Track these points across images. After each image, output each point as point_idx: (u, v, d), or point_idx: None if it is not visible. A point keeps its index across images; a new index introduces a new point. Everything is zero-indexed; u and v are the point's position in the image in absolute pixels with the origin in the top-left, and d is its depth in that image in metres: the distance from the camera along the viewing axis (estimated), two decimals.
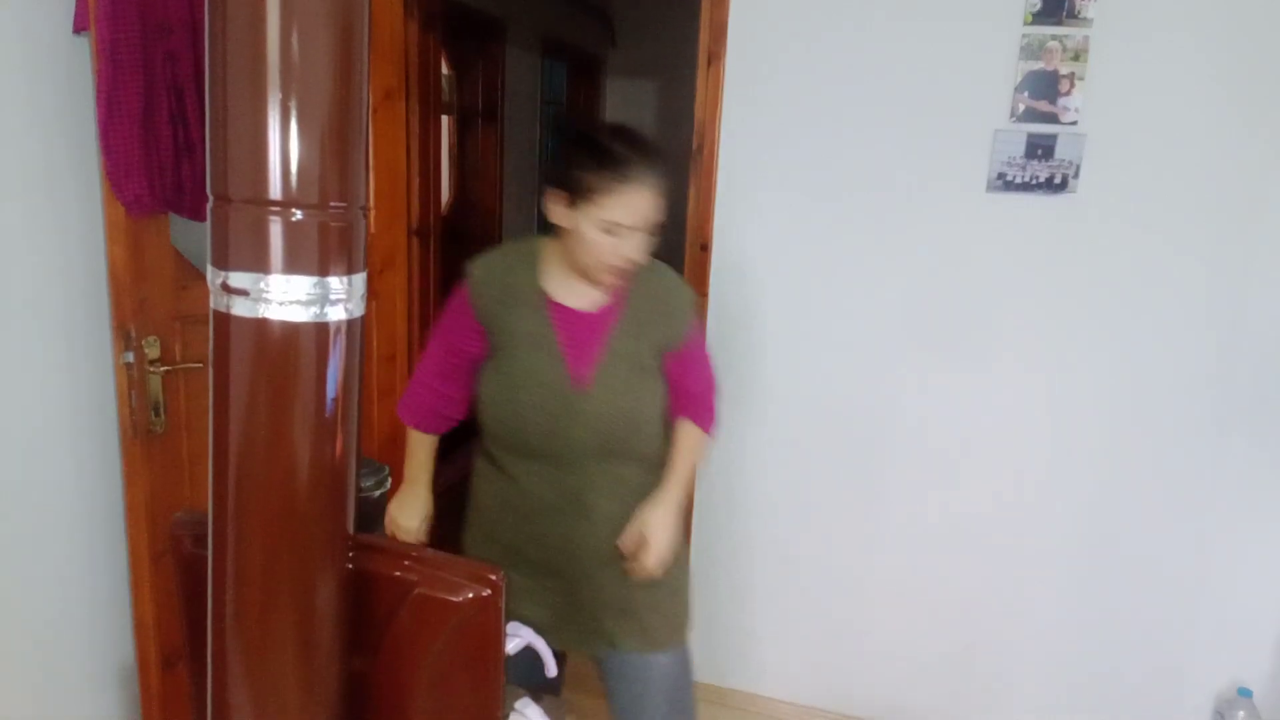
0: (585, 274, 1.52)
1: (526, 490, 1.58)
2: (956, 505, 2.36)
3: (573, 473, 1.55)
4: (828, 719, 2.54)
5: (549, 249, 1.57)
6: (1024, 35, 2.08)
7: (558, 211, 1.49)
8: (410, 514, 1.70)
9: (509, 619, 1.57)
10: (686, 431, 1.67)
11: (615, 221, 1.43)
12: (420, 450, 1.71)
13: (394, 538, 1.65)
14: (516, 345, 1.54)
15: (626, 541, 1.57)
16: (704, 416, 1.69)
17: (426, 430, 1.70)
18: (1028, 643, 2.39)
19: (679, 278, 1.66)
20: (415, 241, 2.81)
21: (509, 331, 1.55)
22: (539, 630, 1.57)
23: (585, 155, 1.45)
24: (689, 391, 1.67)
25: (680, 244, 2.55)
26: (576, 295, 1.56)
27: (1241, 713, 2.19)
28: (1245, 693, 2.20)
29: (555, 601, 1.62)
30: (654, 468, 1.63)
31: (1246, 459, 2.14)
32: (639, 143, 1.47)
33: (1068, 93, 2.07)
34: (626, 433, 1.55)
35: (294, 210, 0.84)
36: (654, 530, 1.56)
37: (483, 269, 1.59)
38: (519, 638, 1.31)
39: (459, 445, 4.53)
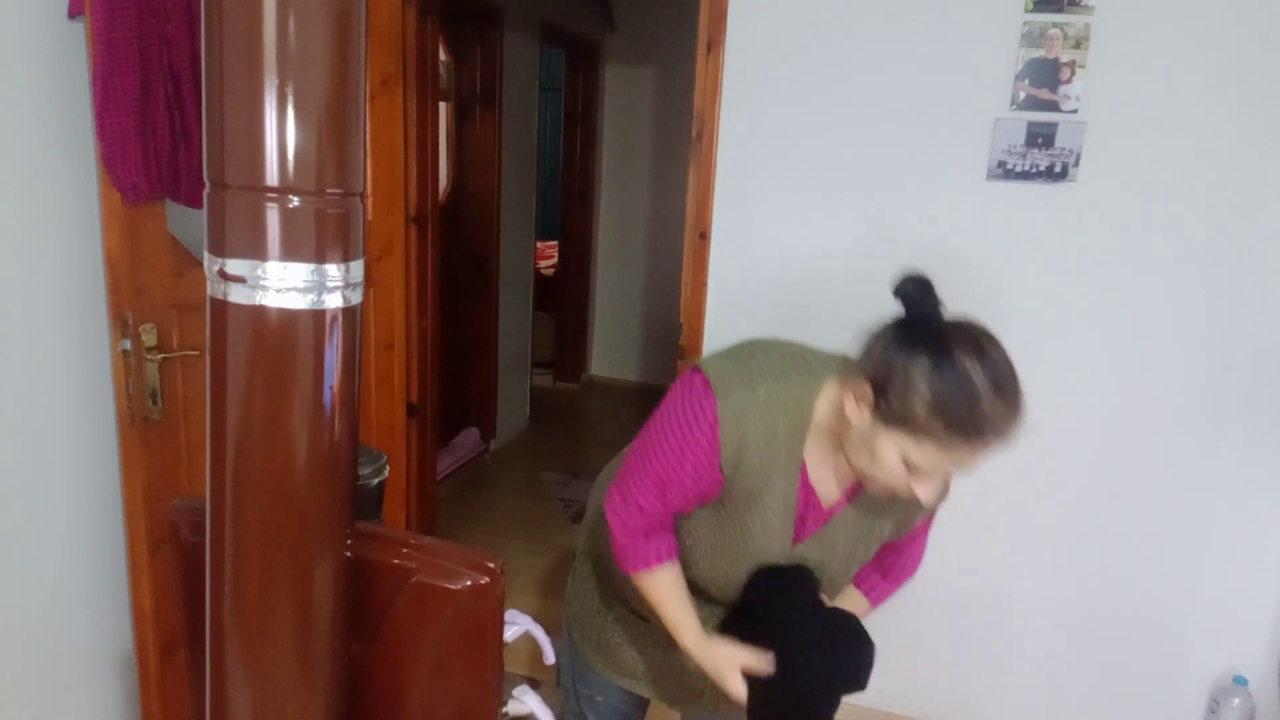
0: (852, 469, 1.24)
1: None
2: (952, 496, 2.36)
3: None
4: None
5: (822, 411, 1.24)
6: (1025, 23, 2.07)
7: (852, 404, 1.16)
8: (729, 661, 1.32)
9: (608, 663, 1.56)
10: (861, 598, 1.51)
11: (923, 467, 1.12)
12: (678, 589, 1.35)
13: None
14: (755, 508, 1.29)
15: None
16: (883, 593, 1.52)
17: (670, 558, 1.36)
18: (1024, 632, 2.39)
19: None
20: (413, 229, 2.80)
21: (754, 496, 1.28)
22: (633, 678, 1.55)
23: (939, 388, 1.06)
24: (883, 566, 1.50)
25: (680, 232, 2.54)
26: (828, 484, 1.31)
27: (1236, 700, 2.20)
28: (1241, 681, 2.21)
29: (656, 655, 1.53)
30: None
31: (1243, 448, 2.14)
32: (1013, 406, 1.08)
33: (1068, 81, 2.06)
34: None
35: (291, 197, 0.84)
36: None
37: (738, 419, 1.22)
38: (518, 625, 1.32)
39: (458, 431, 4.51)
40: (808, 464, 1.28)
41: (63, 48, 1.70)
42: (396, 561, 1.02)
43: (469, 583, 1.00)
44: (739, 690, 1.30)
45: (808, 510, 1.33)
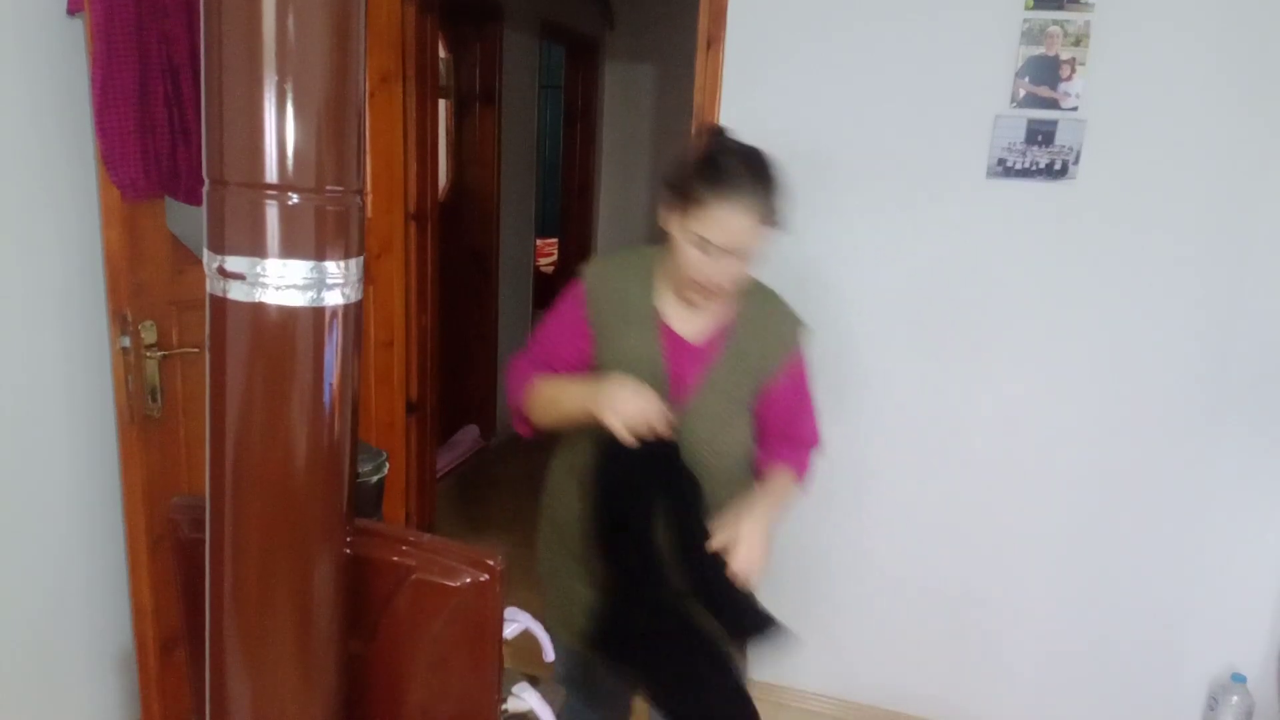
0: (679, 289, 1.49)
1: None
2: (951, 492, 2.36)
3: None
4: (821, 703, 2.55)
5: (662, 262, 1.53)
6: (1025, 20, 2.06)
7: (670, 219, 1.45)
8: (630, 388, 1.40)
9: (568, 629, 1.58)
10: (778, 470, 1.59)
11: (705, 239, 1.38)
12: (558, 382, 1.54)
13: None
14: (623, 363, 1.50)
15: (717, 540, 1.45)
16: (795, 463, 1.62)
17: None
18: (1024, 628, 2.40)
19: (786, 306, 1.59)
20: (413, 226, 2.80)
21: (618, 348, 1.52)
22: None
23: (697, 165, 1.42)
24: (782, 435, 1.61)
25: None
26: (685, 321, 1.52)
27: (1235, 698, 2.20)
28: (1239, 678, 2.21)
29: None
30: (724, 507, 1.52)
31: (1242, 445, 2.14)
32: (753, 164, 1.41)
33: (1068, 78, 2.06)
34: (713, 461, 1.51)
35: (290, 194, 0.84)
36: (746, 537, 1.44)
37: (597, 277, 1.55)
38: (517, 622, 1.32)
39: (458, 428, 4.50)
40: (665, 313, 1.52)
41: (62, 45, 1.70)
42: (396, 559, 1.02)
43: (468, 580, 1.00)
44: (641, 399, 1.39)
45: (681, 356, 1.51)
